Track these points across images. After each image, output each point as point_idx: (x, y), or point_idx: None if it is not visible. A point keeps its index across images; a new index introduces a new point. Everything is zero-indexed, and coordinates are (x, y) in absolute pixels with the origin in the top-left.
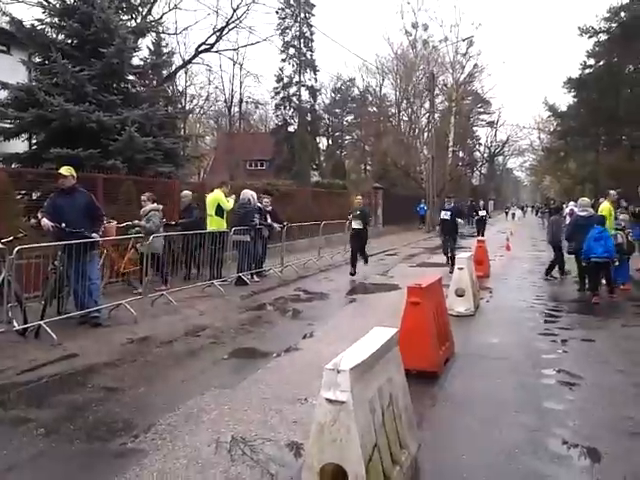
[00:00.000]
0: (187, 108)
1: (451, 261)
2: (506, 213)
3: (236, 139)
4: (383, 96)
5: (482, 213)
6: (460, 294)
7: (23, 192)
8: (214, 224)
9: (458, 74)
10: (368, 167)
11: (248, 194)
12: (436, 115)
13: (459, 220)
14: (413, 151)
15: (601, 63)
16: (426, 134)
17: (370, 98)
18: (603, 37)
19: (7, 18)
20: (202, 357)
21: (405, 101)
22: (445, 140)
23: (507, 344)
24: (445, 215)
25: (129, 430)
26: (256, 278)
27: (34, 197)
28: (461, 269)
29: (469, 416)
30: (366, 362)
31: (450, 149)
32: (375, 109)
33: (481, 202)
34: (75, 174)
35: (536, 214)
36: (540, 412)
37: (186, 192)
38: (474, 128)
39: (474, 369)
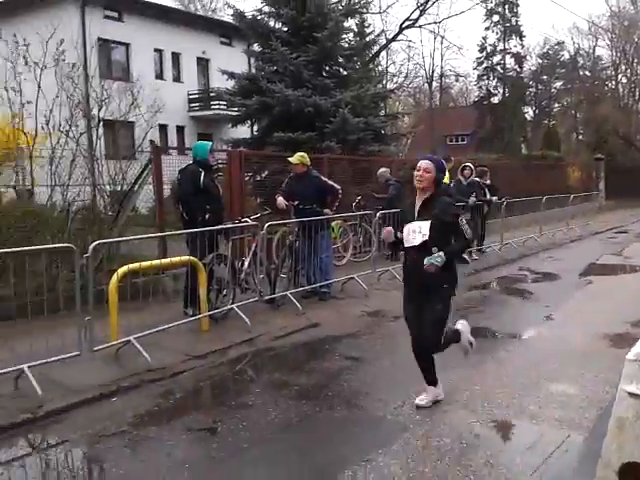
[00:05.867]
0: (388, 87)
1: None
2: None
3: (436, 114)
4: (597, 58)
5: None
6: None
7: (250, 174)
8: None
9: None
10: (580, 137)
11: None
12: None
13: None
14: (634, 117)
15: None
16: None
17: (582, 61)
18: None
19: (231, 11)
20: None
21: (624, 62)
22: None
23: None
24: None
25: (384, 402)
26: (474, 256)
27: (258, 178)
28: None
29: None
30: None
31: None
32: (588, 73)
33: None
34: (307, 160)
35: None
36: None
37: (382, 169)
38: None
39: None
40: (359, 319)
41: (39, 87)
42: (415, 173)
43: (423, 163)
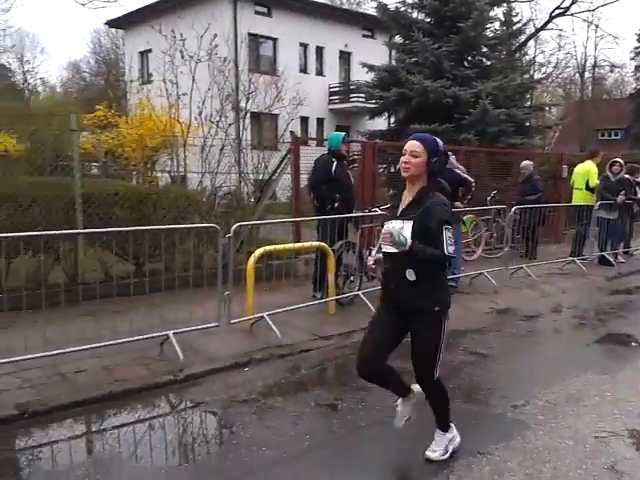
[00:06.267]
0: (535, 77)
1: None
2: None
3: (587, 107)
4: None
5: None
6: None
7: (384, 165)
8: (580, 198)
9: None
10: None
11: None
12: None
13: None
14: None
15: None
16: None
17: None
18: None
19: (374, 4)
20: (570, 337)
21: None
22: None
23: None
24: None
25: (507, 399)
26: (621, 258)
27: (392, 170)
28: None
29: None
30: None
31: None
32: None
33: None
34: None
35: None
36: None
37: (526, 162)
38: None
39: None
40: (486, 315)
41: (193, 80)
42: (401, 159)
43: (410, 144)
